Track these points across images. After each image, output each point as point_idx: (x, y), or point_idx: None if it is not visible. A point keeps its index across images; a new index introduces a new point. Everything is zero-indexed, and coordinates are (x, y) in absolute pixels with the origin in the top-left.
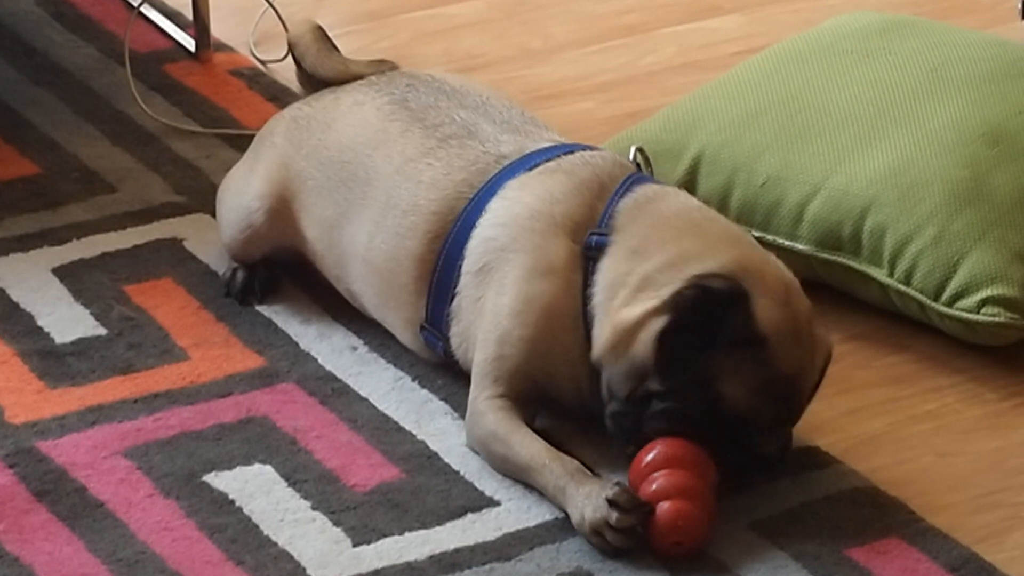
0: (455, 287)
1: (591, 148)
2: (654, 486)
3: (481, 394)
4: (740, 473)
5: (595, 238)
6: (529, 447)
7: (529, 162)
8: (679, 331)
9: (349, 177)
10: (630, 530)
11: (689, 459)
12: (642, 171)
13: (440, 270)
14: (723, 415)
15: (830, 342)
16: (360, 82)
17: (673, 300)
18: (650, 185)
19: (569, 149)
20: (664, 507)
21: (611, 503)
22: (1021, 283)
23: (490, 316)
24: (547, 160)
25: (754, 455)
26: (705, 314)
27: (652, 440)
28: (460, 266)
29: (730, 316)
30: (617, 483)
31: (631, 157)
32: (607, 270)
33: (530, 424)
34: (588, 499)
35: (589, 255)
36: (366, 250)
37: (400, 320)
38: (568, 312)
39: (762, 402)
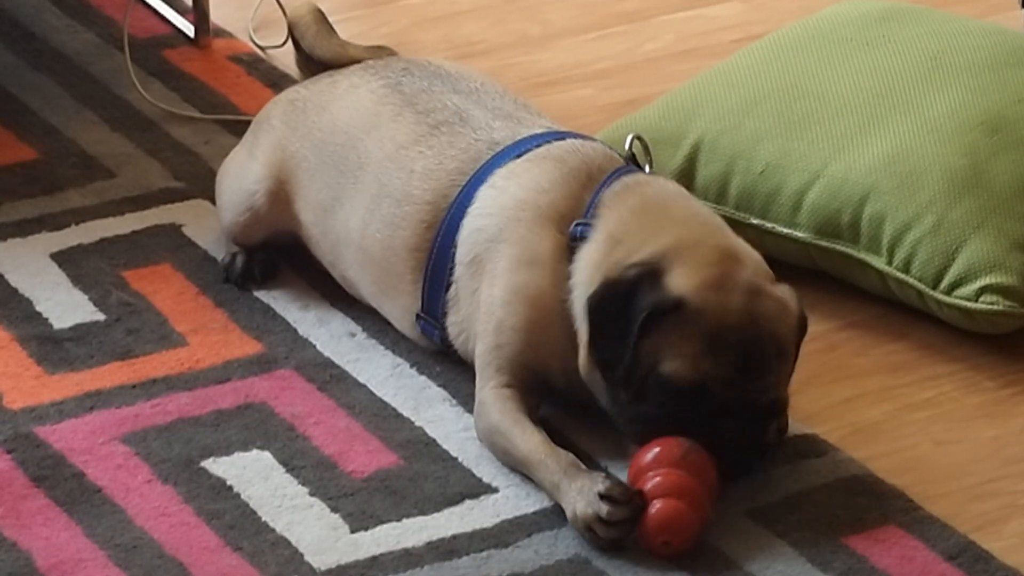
0: (450, 275)
1: (584, 137)
2: (649, 485)
3: (486, 384)
4: (743, 465)
5: (579, 228)
6: (528, 441)
7: (519, 148)
8: (601, 333)
9: (341, 160)
10: (623, 523)
11: (687, 460)
12: (637, 160)
13: (434, 259)
14: (703, 405)
15: (797, 303)
16: (358, 65)
17: (588, 304)
18: (635, 175)
19: (560, 136)
20: (656, 505)
21: (603, 497)
22: (1019, 271)
23: (484, 308)
24: (537, 146)
25: (752, 442)
26: (617, 306)
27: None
28: (453, 255)
29: (640, 297)
30: (607, 476)
31: (627, 145)
32: (586, 261)
33: (534, 412)
34: (580, 494)
35: (573, 245)
36: (360, 238)
37: (397, 308)
38: (555, 303)
39: (714, 364)
